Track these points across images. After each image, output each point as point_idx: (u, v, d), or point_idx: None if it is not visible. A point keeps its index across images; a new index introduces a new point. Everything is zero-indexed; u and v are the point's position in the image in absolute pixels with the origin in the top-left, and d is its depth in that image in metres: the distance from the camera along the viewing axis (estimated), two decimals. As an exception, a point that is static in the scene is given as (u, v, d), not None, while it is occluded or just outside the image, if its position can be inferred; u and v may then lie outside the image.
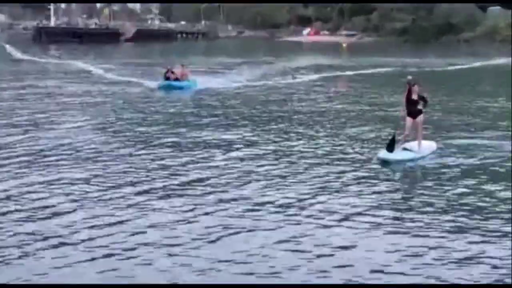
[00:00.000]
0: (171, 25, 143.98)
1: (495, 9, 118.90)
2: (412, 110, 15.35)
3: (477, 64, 54.38)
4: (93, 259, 8.87)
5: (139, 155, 15.61)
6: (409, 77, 15.89)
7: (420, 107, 15.37)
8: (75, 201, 11.51)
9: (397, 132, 15.83)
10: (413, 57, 64.70)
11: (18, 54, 62.19)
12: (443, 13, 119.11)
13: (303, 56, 65.91)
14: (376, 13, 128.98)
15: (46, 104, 25.48)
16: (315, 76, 40.11)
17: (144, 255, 8.99)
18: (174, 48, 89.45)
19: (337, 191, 12.40)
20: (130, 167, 14.16)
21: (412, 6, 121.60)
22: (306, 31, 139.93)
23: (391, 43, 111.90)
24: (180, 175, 13.55)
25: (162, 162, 14.77)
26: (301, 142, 17.58)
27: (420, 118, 15.45)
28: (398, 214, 10.96)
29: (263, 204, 11.43)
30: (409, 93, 15.32)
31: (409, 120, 15.42)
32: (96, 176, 13.34)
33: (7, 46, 75.03)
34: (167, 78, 30.95)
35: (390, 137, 15.17)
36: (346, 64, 55.14)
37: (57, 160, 14.82)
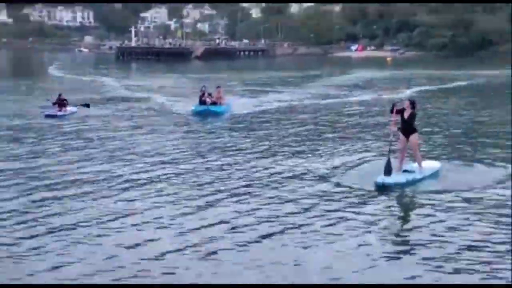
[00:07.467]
0: (234, 44, 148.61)
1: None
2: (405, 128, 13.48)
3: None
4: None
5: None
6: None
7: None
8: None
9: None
10: (457, 70, 63.98)
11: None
12: (480, 29, 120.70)
13: (355, 70, 66.83)
14: (418, 29, 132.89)
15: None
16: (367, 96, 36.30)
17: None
18: (237, 65, 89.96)
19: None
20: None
21: (452, 22, 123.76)
22: (354, 47, 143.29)
23: (429, 57, 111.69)
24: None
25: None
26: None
27: (415, 137, 13.53)
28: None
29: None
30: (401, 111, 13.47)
31: (402, 138, 13.55)
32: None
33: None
34: (202, 102, 26.69)
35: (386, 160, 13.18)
36: (398, 78, 54.32)
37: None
